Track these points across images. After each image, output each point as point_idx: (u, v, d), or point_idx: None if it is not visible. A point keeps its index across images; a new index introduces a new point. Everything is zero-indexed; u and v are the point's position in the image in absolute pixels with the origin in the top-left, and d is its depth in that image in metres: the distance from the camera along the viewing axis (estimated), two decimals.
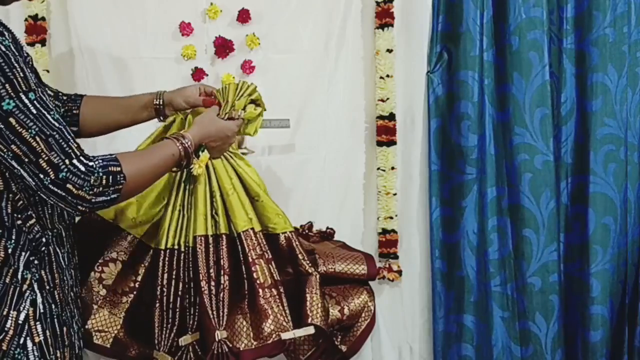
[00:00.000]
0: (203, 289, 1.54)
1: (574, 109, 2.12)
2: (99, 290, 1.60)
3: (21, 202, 1.24)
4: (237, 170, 1.64)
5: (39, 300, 1.26)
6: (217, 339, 1.51)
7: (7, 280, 1.23)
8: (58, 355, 1.29)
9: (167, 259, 1.58)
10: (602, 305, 2.11)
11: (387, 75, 2.07)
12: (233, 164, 1.64)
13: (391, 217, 2.11)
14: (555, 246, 2.11)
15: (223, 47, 2.01)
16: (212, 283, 1.55)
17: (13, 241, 1.24)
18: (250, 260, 1.58)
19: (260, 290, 1.57)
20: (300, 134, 2.06)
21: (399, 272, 2.13)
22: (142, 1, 1.99)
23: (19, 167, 1.15)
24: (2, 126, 1.11)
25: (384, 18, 2.06)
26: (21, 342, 1.23)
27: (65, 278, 1.34)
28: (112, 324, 1.59)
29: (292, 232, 1.67)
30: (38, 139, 1.12)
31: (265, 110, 1.62)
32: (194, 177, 1.56)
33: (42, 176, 1.14)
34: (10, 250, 1.23)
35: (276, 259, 1.63)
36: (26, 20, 1.91)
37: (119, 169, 1.22)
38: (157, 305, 1.57)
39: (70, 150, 1.16)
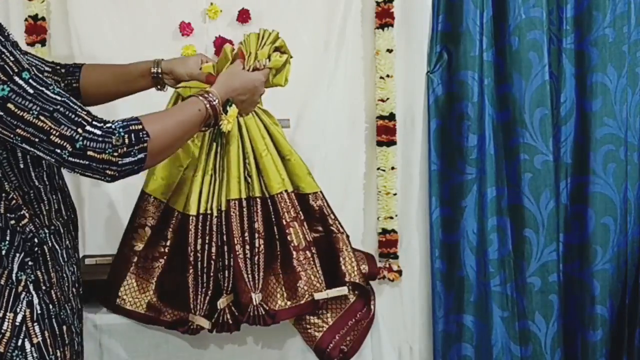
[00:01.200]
0: (238, 253, 1.53)
1: (574, 109, 2.12)
2: (131, 257, 1.61)
3: (14, 201, 1.22)
4: (268, 129, 1.59)
5: (36, 301, 1.24)
6: (253, 303, 1.53)
7: (2, 282, 1.21)
8: (58, 354, 1.28)
9: (199, 224, 1.55)
10: (601, 305, 2.11)
11: (387, 75, 2.07)
12: (264, 121, 1.59)
13: (391, 217, 2.11)
14: (554, 246, 2.11)
15: (223, 47, 2.01)
16: (247, 247, 1.55)
17: (7, 242, 1.22)
18: (285, 223, 1.57)
19: (295, 253, 1.57)
20: (300, 133, 2.06)
21: (399, 272, 2.13)
22: (142, 1, 2.00)
23: (32, 149, 1.12)
24: (2, 113, 1.08)
25: (384, 18, 2.06)
26: (19, 344, 1.22)
27: (64, 275, 1.32)
28: (144, 290, 1.60)
29: (321, 192, 1.66)
30: (42, 117, 1.09)
31: (291, 57, 1.53)
32: (225, 137, 1.53)
33: (59, 151, 1.11)
34: (4, 252, 1.21)
35: (307, 219, 1.62)
36: (26, 20, 1.91)
37: (140, 126, 1.17)
38: (191, 270, 1.55)
39: (79, 119, 1.12)
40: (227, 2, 2.01)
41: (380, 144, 2.10)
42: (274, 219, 1.58)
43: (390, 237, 2.12)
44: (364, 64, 2.12)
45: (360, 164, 2.15)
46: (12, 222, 1.22)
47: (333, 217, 1.66)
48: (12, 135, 1.10)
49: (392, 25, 2.06)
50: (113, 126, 1.15)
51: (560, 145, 2.13)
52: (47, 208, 1.28)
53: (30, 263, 1.24)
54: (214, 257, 1.56)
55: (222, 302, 1.55)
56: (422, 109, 2.12)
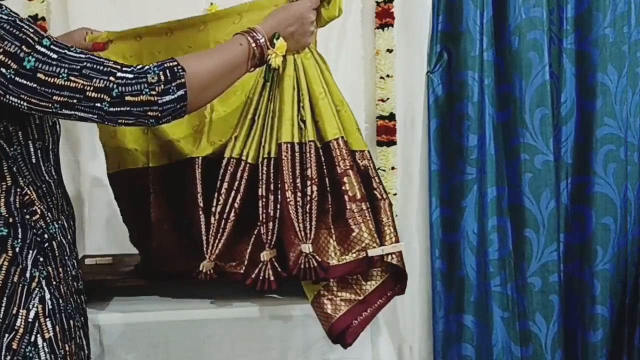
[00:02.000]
0: (289, 200, 1.42)
1: (574, 109, 2.12)
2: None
3: (27, 196, 1.23)
4: (323, 74, 1.50)
5: (47, 296, 1.25)
6: (305, 252, 1.42)
7: (15, 279, 1.22)
8: (67, 349, 1.29)
9: (230, 168, 1.49)
10: (602, 305, 2.11)
11: (387, 75, 2.07)
12: (321, 67, 1.50)
13: None
14: (555, 246, 2.11)
15: None
16: (299, 194, 1.44)
17: (20, 240, 1.23)
18: (340, 171, 1.45)
19: (349, 204, 1.45)
20: None
21: None
22: (142, 1, 2.00)
23: (73, 112, 1.11)
24: (35, 85, 1.08)
25: (384, 18, 2.06)
26: (32, 339, 1.22)
27: (67, 270, 1.33)
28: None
29: (369, 152, 1.54)
30: (72, 77, 1.09)
31: None
32: (279, 77, 1.43)
33: (99, 105, 1.10)
34: (17, 250, 1.22)
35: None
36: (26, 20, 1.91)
37: (174, 62, 1.16)
38: (203, 216, 1.50)
39: (108, 69, 1.12)
40: (227, 2, 2.01)
41: (380, 144, 2.10)
42: (327, 168, 1.46)
43: None
44: (364, 64, 2.12)
45: None
46: (27, 216, 1.23)
47: (377, 181, 1.54)
48: (50, 104, 1.10)
49: (392, 25, 2.07)
50: (145, 67, 1.14)
51: (560, 145, 2.12)
52: (56, 202, 1.30)
53: (41, 259, 1.25)
54: (237, 204, 1.47)
55: (265, 255, 1.46)
56: (422, 109, 2.12)
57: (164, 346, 1.65)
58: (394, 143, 2.10)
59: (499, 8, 2.06)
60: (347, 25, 2.08)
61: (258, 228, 1.48)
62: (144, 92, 1.11)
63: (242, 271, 1.51)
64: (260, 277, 1.46)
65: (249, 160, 1.50)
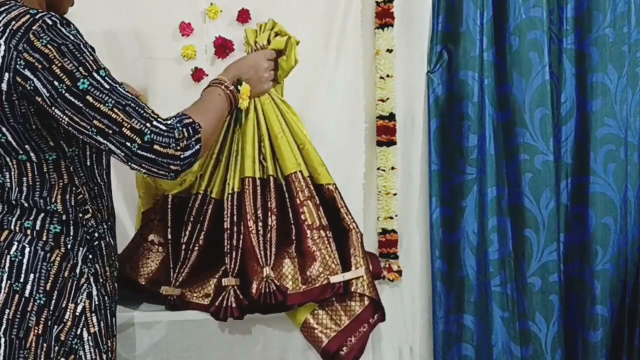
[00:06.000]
0: (250, 229, 1.51)
1: (574, 109, 2.12)
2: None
3: (81, 196, 1.32)
4: (285, 116, 1.62)
5: (94, 292, 1.34)
6: (264, 276, 1.48)
7: (66, 274, 1.30)
8: (109, 344, 1.38)
9: (199, 203, 1.60)
10: (602, 305, 2.11)
11: (387, 75, 2.07)
12: (282, 109, 1.62)
13: (391, 217, 2.11)
14: (555, 246, 2.11)
15: (223, 47, 2.01)
16: (260, 223, 1.53)
17: (71, 237, 1.31)
18: (298, 202, 1.55)
19: (309, 232, 1.54)
20: None
21: (399, 272, 2.13)
22: (142, 1, 2.00)
23: (105, 141, 1.20)
24: (81, 105, 1.17)
25: (384, 18, 2.06)
26: (78, 332, 1.31)
27: (112, 270, 1.42)
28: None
29: (335, 185, 1.64)
30: (116, 110, 1.18)
31: (290, 37, 1.60)
32: (243, 118, 1.55)
33: (129, 144, 1.19)
34: (69, 246, 1.31)
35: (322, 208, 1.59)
36: None
37: (191, 119, 1.27)
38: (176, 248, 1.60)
39: (147, 115, 1.21)
40: (227, 2, 2.01)
41: (380, 144, 2.10)
42: (287, 199, 1.56)
43: (390, 237, 2.12)
44: (364, 64, 2.12)
45: (360, 164, 2.15)
46: (80, 215, 1.32)
47: (345, 211, 1.62)
48: (89, 127, 1.19)
49: (392, 25, 2.06)
50: (172, 123, 1.24)
51: (560, 145, 2.12)
52: (105, 204, 1.39)
53: (90, 257, 1.34)
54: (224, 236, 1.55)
55: (227, 280, 1.51)
56: (422, 109, 2.12)
57: (164, 346, 1.65)
58: (394, 143, 2.10)
59: (499, 8, 2.06)
60: (347, 25, 2.08)
61: (224, 259, 1.56)
62: (170, 146, 1.21)
63: (206, 302, 1.58)
64: (223, 305, 1.51)
65: (214, 196, 1.59)
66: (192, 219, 1.62)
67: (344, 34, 2.08)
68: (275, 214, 1.54)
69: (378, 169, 2.11)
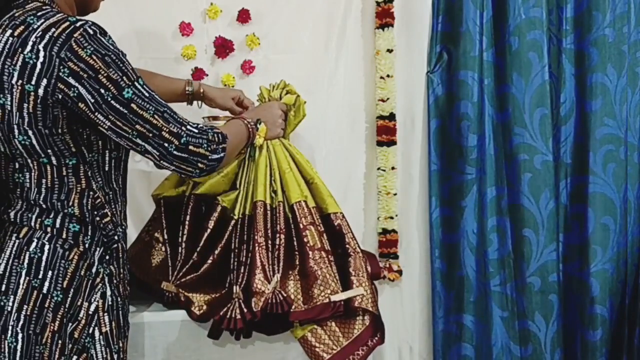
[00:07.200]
0: (259, 242, 1.61)
1: (574, 109, 2.12)
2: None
3: (99, 200, 1.36)
4: (293, 157, 1.75)
5: (108, 293, 1.37)
6: (272, 286, 1.55)
7: (82, 273, 1.33)
8: (120, 345, 1.40)
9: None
10: (601, 305, 2.11)
11: (387, 75, 2.07)
12: (290, 151, 1.75)
13: (391, 217, 2.11)
14: (554, 246, 2.11)
15: (223, 47, 2.01)
16: (269, 241, 1.63)
17: (89, 237, 1.34)
18: (302, 226, 1.65)
19: (311, 253, 1.62)
20: (300, 133, 2.06)
21: (399, 272, 2.13)
22: (142, 1, 2.00)
23: (144, 143, 1.29)
24: (126, 111, 1.25)
25: (384, 18, 2.06)
26: (90, 331, 1.35)
27: (126, 273, 1.45)
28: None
29: (342, 214, 1.74)
30: (156, 116, 1.28)
31: (299, 95, 1.78)
32: (256, 155, 1.69)
33: (166, 145, 1.30)
34: (87, 245, 1.34)
35: (328, 238, 1.69)
36: None
37: (220, 130, 1.40)
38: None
39: (181, 120, 1.33)
40: (227, 2, 2.01)
41: (380, 144, 2.10)
42: (292, 225, 1.66)
43: (390, 237, 2.12)
44: (364, 64, 2.12)
45: (360, 164, 2.15)
46: (97, 218, 1.35)
47: (351, 236, 1.71)
48: (130, 130, 1.28)
49: (392, 25, 2.07)
50: (203, 127, 1.36)
51: (560, 145, 2.13)
52: (120, 209, 1.43)
53: (107, 257, 1.37)
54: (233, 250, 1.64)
55: (236, 288, 1.57)
56: (422, 109, 2.12)
57: (164, 346, 1.65)
58: (394, 143, 2.10)
59: (498, 8, 2.06)
60: (347, 25, 2.09)
61: (229, 275, 1.63)
62: (203, 146, 1.33)
63: (198, 313, 1.62)
64: (228, 316, 1.55)
65: (233, 215, 1.68)
66: (192, 220, 1.69)
67: (344, 34, 2.08)
68: (284, 233, 1.65)
69: (378, 169, 2.11)
